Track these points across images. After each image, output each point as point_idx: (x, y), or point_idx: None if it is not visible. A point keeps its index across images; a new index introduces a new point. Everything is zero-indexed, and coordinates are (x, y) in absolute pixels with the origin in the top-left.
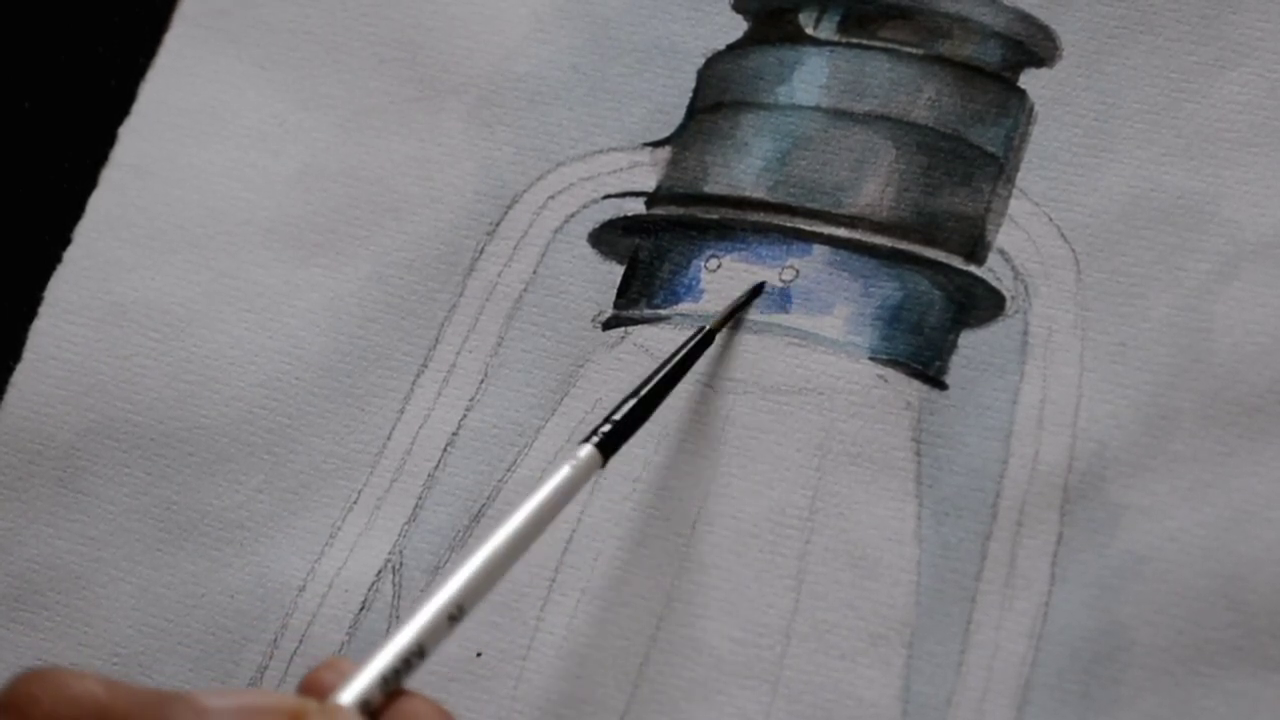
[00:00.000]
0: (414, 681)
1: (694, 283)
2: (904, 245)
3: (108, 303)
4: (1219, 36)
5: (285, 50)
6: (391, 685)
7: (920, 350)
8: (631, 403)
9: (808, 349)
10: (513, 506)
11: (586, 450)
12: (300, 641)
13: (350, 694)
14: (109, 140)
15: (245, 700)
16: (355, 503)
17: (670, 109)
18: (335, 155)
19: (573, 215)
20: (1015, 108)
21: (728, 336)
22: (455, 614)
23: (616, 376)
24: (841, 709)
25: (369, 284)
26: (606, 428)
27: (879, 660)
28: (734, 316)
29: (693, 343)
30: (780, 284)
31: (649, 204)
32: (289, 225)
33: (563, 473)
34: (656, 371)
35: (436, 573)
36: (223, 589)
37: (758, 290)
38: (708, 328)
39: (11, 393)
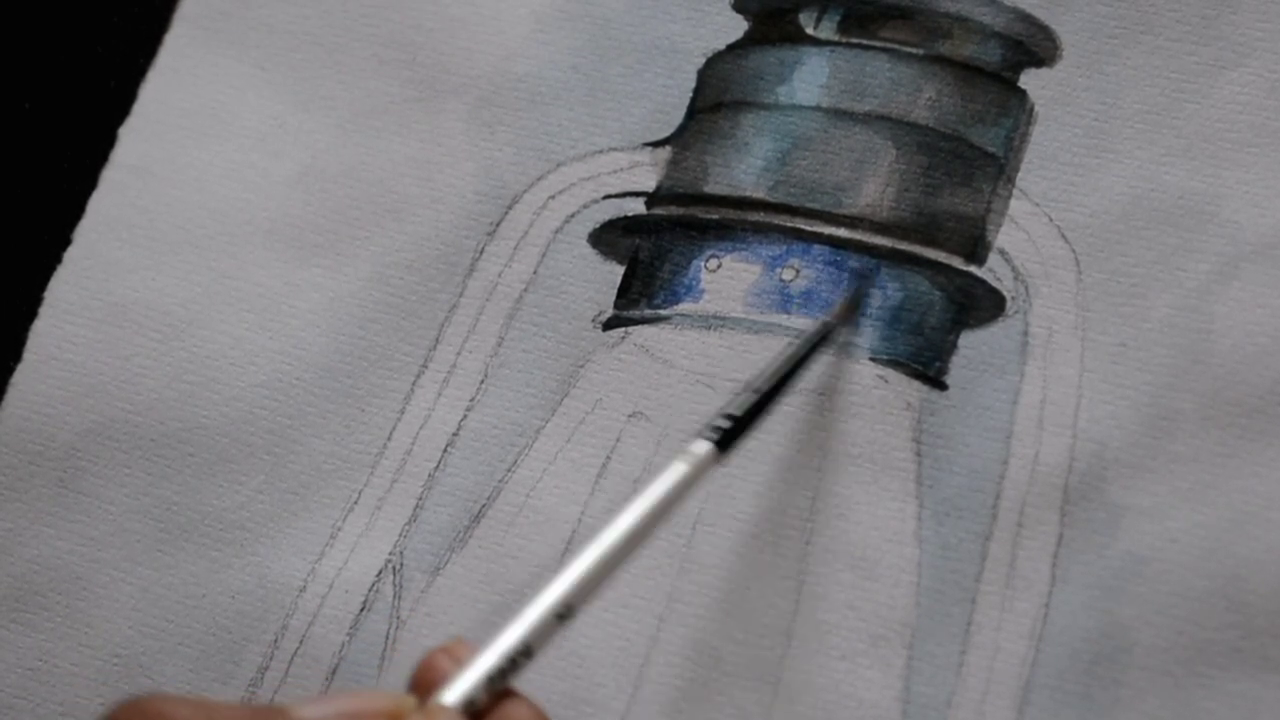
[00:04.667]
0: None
1: (694, 283)
2: (904, 245)
3: (108, 303)
4: (1219, 36)
5: (285, 51)
6: (497, 685)
7: (920, 351)
8: (753, 399)
9: None
10: (625, 504)
11: (705, 447)
12: (301, 642)
13: (454, 694)
14: (109, 140)
15: (342, 705)
16: (355, 503)
17: (670, 109)
18: (335, 156)
19: (573, 215)
20: (1015, 108)
21: (727, 338)
22: (564, 613)
23: (616, 377)
24: (842, 710)
25: (369, 284)
26: (725, 424)
27: (879, 661)
28: (855, 309)
29: (814, 337)
30: (780, 284)
31: (649, 204)
32: (289, 226)
33: (677, 469)
34: (777, 368)
35: (437, 573)
36: (223, 589)
37: (866, 283)
38: (827, 319)
39: (11, 393)
